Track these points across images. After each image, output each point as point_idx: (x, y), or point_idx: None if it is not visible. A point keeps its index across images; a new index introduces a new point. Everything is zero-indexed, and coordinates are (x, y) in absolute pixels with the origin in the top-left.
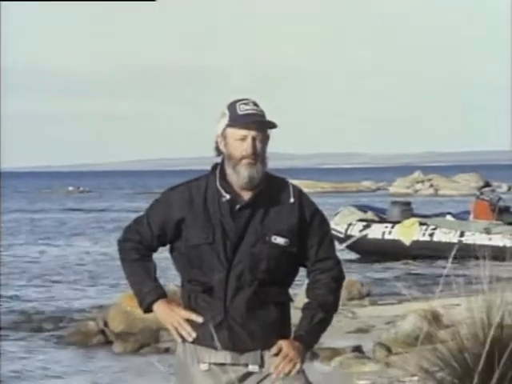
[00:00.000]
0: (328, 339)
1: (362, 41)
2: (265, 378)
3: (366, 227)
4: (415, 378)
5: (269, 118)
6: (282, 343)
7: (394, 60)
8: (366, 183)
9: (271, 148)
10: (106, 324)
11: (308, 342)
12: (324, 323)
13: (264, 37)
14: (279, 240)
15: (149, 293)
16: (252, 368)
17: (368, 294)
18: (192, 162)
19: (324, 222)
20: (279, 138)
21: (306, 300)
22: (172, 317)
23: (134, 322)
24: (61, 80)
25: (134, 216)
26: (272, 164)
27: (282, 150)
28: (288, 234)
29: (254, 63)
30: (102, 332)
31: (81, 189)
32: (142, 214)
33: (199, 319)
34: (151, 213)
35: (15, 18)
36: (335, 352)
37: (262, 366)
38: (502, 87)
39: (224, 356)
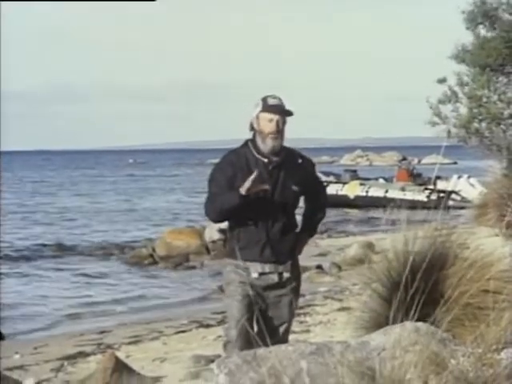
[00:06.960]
0: (300, 260)
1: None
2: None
3: (326, 186)
4: (357, 287)
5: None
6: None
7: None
8: (325, 157)
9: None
10: (154, 250)
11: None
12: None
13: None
14: (295, 188)
15: (235, 193)
16: (286, 275)
17: (326, 231)
18: (228, 143)
19: (315, 170)
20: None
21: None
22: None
23: (172, 249)
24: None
25: (175, 179)
26: None
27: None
28: (300, 183)
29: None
30: (151, 256)
31: (138, 161)
32: (208, 194)
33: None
34: (217, 179)
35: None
36: (304, 269)
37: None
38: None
39: (269, 267)
